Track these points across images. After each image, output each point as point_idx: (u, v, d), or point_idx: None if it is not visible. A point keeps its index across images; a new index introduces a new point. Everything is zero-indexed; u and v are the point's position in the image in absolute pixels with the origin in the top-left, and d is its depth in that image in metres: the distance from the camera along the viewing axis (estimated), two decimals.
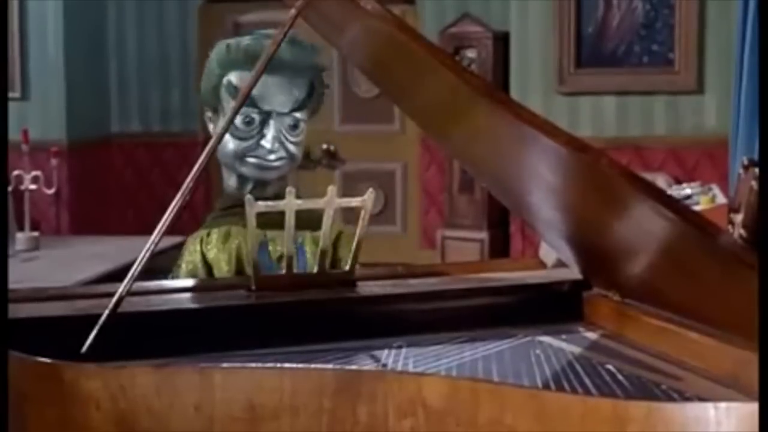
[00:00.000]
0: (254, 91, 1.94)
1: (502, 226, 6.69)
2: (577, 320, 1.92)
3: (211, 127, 2.15)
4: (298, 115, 2.09)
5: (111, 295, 1.70)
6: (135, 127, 7.41)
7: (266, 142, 2.07)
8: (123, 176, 7.40)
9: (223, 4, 7.44)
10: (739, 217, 3.23)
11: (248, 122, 2.06)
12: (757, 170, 2.85)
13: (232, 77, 2.07)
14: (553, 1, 6.34)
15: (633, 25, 6.26)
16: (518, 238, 6.58)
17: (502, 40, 6.57)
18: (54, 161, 5.38)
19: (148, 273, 1.76)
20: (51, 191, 5.39)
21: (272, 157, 2.08)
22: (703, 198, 4.69)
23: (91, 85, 7.08)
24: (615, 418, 1.31)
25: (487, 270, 2.07)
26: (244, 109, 2.01)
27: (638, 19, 6.24)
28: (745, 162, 3.55)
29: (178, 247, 2.20)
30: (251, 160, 2.08)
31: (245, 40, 2.09)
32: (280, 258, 2.00)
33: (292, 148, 2.09)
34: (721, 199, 4.62)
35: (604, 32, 6.32)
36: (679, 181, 5.77)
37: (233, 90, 2.06)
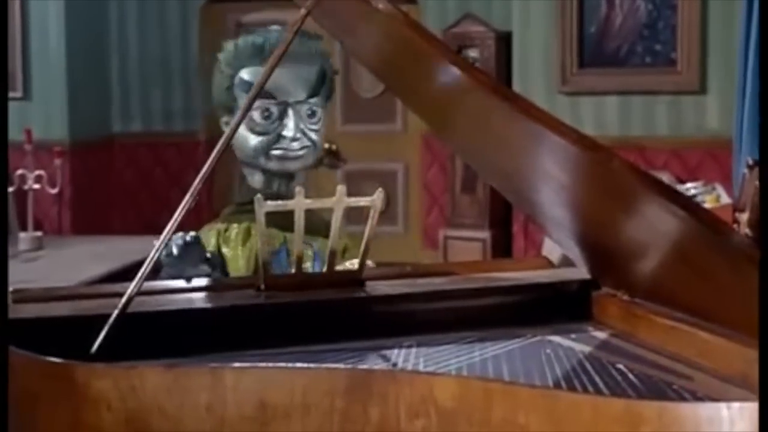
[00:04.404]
0: (268, 84, 1.99)
1: (505, 225, 6.69)
2: (585, 320, 1.92)
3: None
4: (312, 101, 2.14)
5: (119, 295, 1.70)
6: (137, 126, 7.40)
7: (288, 131, 2.11)
8: (124, 176, 7.39)
9: (225, 3, 7.43)
10: (744, 216, 3.23)
11: (267, 116, 2.10)
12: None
13: (244, 74, 2.10)
14: (556, 1, 6.33)
15: (635, 25, 6.25)
16: (521, 237, 6.57)
17: (504, 40, 6.57)
18: (58, 161, 5.37)
19: (152, 273, 1.76)
20: (54, 191, 5.39)
21: (296, 145, 2.12)
22: (708, 197, 4.68)
23: (92, 84, 7.07)
24: (628, 418, 1.31)
25: (495, 269, 2.07)
26: (260, 103, 2.07)
27: (641, 19, 6.23)
28: (750, 162, 3.55)
29: None
30: (276, 152, 2.12)
31: (250, 37, 2.11)
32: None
33: (313, 135, 2.14)
34: (726, 199, 4.61)
35: (606, 32, 6.31)
36: (682, 181, 5.76)
37: (246, 86, 2.08)
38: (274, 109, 2.10)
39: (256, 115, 2.09)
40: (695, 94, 6.16)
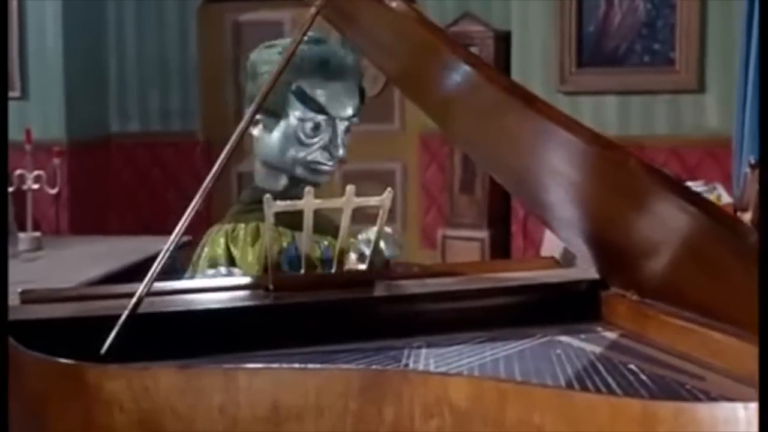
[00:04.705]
0: (323, 99, 2.06)
1: (503, 225, 6.69)
2: (594, 320, 1.92)
3: (257, 129, 2.14)
4: (354, 119, 2.15)
5: (128, 296, 1.69)
6: (134, 126, 7.40)
7: (335, 148, 2.12)
8: (122, 176, 7.38)
9: (223, 3, 7.42)
10: (747, 216, 3.24)
11: (315, 128, 2.09)
12: None
13: (303, 85, 2.08)
14: (555, 1, 6.33)
15: (634, 25, 6.26)
16: (519, 237, 6.57)
17: (503, 40, 6.57)
18: (57, 161, 5.36)
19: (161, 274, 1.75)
20: (54, 191, 5.37)
21: (332, 162, 2.12)
22: (709, 197, 4.69)
23: (90, 84, 7.06)
24: (644, 418, 1.30)
25: (503, 270, 2.06)
26: (311, 116, 2.09)
27: (639, 19, 6.24)
28: (752, 161, 3.56)
29: (189, 246, 2.19)
30: (317, 166, 2.12)
31: (316, 49, 2.09)
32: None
33: (344, 150, 2.15)
34: (726, 198, 4.61)
35: (605, 31, 6.31)
36: (681, 180, 5.77)
37: (304, 97, 2.08)
38: (323, 124, 2.10)
39: (307, 127, 2.10)
40: (694, 93, 6.17)
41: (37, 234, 5.13)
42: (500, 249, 6.65)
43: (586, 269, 1.99)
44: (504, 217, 6.65)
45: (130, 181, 7.38)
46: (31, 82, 6.64)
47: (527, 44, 6.45)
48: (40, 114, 6.56)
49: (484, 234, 6.70)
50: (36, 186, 5.16)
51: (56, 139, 6.38)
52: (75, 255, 4.95)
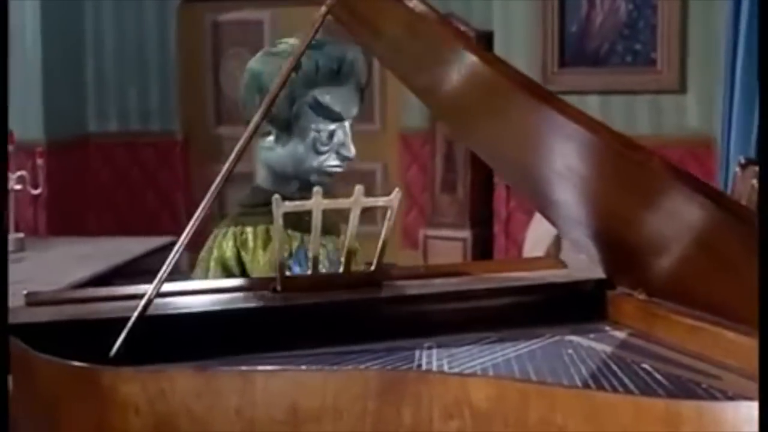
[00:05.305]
0: (338, 107, 2.05)
1: (485, 225, 6.69)
2: (601, 319, 1.91)
3: (271, 139, 2.09)
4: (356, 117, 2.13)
5: (134, 297, 1.68)
6: (113, 126, 7.34)
7: (347, 149, 2.10)
8: (101, 176, 7.33)
9: (202, 3, 7.39)
10: None
11: (330, 135, 2.06)
12: (757, 168, 2.85)
13: (318, 95, 2.06)
14: (537, 1, 6.34)
15: (616, 25, 6.28)
16: (502, 237, 6.57)
17: (485, 40, 6.56)
18: (39, 161, 5.31)
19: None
20: (36, 192, 5.32)
21: (344, 163, 2.11)
22: None
23: (68, 84, 7.00)
24: (668, 418, 1.30)
25: (509, 269, 2.06)
26: (327, 126, 2.07)
27: (621, 19, 6.26)
28: (742, 161, 3.58)
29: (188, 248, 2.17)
30: (332, 170, 2.10)
31: (321, 54, 2.03)
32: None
33: (353, 148, 2.13)
34: None
35: (587, 32, 6.33)
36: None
37: (321, 109, 2.06)
38: (336, 129, 2.08)
39: (323, 137, 2.07)
40: (675, 94, 6.19)
41: (21, 235, 5.07)
42: (482, 249, 6.65)
43: (585, 269, 1.99)
44: (486, 217, 6.65)
45: (109, 181, 7.32)
46: (9, 82, 6.56)
47: (509, 44, 6.46)
48: (19, 114, 6.48)
49: (466, 234, 6.69)
50: (19, 187, 5.11)
51: (35, 139, 6.32)
52: (58, 256, 4.90)
